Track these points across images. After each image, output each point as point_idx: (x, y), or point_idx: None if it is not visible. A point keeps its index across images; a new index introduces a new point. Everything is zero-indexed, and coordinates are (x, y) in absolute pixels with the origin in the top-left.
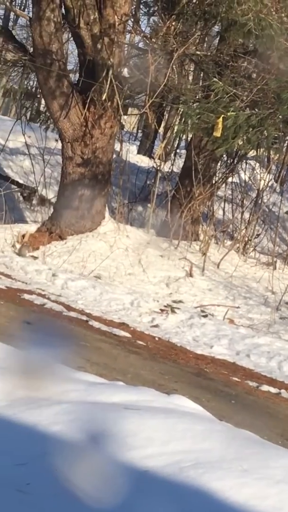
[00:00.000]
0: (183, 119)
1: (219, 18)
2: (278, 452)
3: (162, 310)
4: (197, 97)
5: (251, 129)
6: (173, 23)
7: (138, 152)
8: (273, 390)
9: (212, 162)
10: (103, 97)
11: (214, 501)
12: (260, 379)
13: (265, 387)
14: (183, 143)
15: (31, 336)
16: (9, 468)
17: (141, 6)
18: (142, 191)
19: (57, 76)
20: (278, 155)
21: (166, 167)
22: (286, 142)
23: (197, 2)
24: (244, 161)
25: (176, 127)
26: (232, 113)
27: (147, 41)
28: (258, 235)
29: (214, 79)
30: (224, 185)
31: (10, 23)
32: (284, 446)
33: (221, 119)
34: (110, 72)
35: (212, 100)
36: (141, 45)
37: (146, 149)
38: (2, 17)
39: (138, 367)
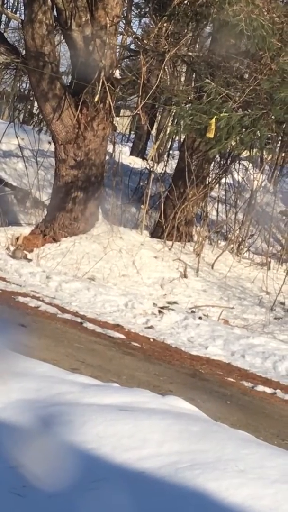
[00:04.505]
0: (175, 120)
1: (210, 19)
2: (273, 452)
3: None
4: (190, 98)
5: (244, 129)
6: (165, 24)
7: (131, 154)
8: (268, 390)
9: (205, 163)
10: (96, 99)
11: (210, 502)
12: (255, 380)
13: (260, 388)
14: (176, 144)
15: (26, 339)
16: (4, 471)
17: (133, 8)
18: (135, 192)
19: (50, 79)
20: (271, 155)
21: (159, 168)
22: (279, 142)
23: (189, 3)
24: (237, 161)
25: (168, 128)
26: (225, 114)
27: (139, 43)
28: (252, 235)
29: (207, 80)
30: (217, 185)
31: (2, 26)
32: (280, 446)
33: (214, 120)
34: (102, 73)
35: (204, 101)
36: (132, 46)
37: (139, 151)
38: None
39: (133, 368)
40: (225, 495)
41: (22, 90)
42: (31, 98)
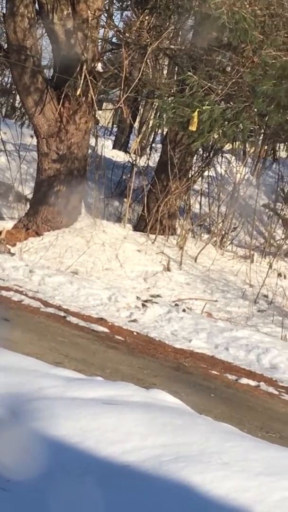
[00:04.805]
0: (158, 114)
1: (192, 12)
2: (257, 445)
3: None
4: (172, 91)
5: (226, 122)
6: (147, 18)
7: (114, 147)
8: (252, 383)
9: (188, 156)
10: (78, 93)
11: (194, 495)
12: (239, 372)
13: (244, 380)
14: (158, 138)
15: (9, 333)
16: None
17: (114, 1)
18: (118, 186)
19: (32, 72)
20: (253, 148)
21: (142, 162)
22: (262, 135)
23: None
24: (220, 154)
25: (151, 122)
26: (207, 107)
27: (121, 36)
28: (235, 228)
29: (189, 73)
30: (200, 179)
31: None
32: (264, 438)
33: (196, 113)
34: (84, 67)
35: (187, 94)
36: (114, 40)
37: (121, 144)
38: None
39: (116, 362)
40: (209, 488)
41: (4, 84)
42: (13, 92)
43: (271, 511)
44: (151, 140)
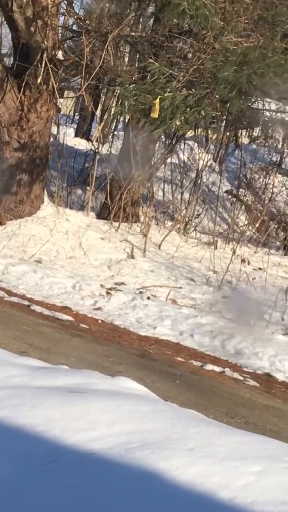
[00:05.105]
0: (120, 101)
1: None
2: (222, 430)
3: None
4: (134, 78)
5: (188, 109)
6: (107, 5)
7: (76, 135)
8: (217, 369)
9: (150, 143)
10: (38, 81)
11: (161, 481)
12: (204, 359)
13: (209, 366)
14: (120, 125)
15: None
16: None
17: None
18: (80, 174)
19: None
20: (216, 134)
21: (104, 150)
22: (224, 121)
23: None
24: (183, 141)
25: (113, 109)
26: (169, 93)
27: (81, 23)
28: (198, 215)
29: (150, 60)
30: (163, 166)
31: None
32: (229, 424)
33: (158, 100)
34: (45, 55)
35: (148, 81)
36: (75, 27)
37: (83, 132)
38: None
39: (81, 350)
40: (175, 474)
41: None
42: None
43: (237, 495)
44: (113, 127)
